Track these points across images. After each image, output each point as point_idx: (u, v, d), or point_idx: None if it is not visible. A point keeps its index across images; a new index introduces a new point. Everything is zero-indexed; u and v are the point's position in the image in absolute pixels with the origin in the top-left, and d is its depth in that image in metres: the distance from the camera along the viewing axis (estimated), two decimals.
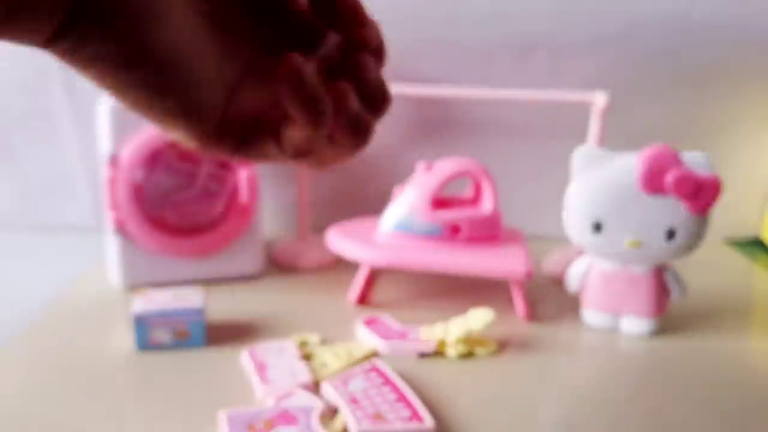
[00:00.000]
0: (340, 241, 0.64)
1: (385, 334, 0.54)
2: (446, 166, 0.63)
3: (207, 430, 0.42)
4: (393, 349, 0.53)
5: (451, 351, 0.53)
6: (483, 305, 0.55)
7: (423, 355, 0.53)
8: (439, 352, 0.53)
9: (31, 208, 0.83)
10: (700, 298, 0.65)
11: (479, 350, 0.54)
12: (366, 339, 0.55)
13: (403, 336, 0.54)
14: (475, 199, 0.66)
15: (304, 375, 0.47)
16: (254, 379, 0.47)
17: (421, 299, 0.65)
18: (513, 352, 0.55)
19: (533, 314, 0.61)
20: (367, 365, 0.50)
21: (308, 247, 0.74)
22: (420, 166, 0.64)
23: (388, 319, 0.57)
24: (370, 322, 0.57)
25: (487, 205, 0.64)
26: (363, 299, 0.63)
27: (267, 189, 0.83)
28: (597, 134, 0.68)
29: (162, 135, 0.61)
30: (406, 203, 0.63)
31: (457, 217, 0.63)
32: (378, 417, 0.42)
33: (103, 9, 0.20)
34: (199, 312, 0.52)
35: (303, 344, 0.54)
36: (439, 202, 0.64)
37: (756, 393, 0.50)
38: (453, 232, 0.62)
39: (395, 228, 0.63)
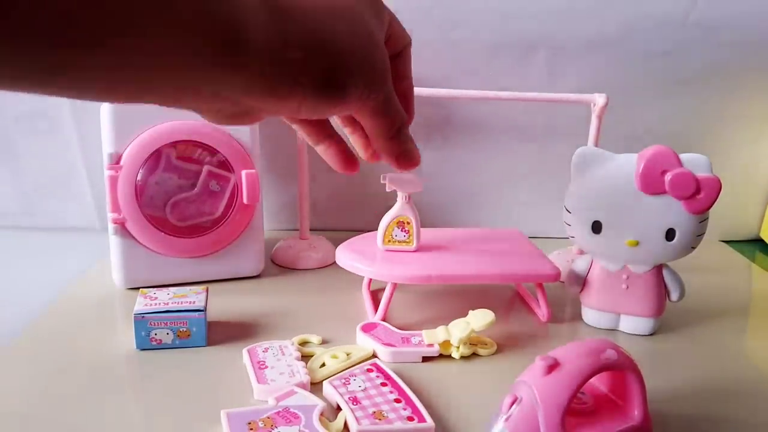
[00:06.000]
0: (360, 260, 0.60)
1: (388, 341, 0.53)
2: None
3: (208, 429, 0.42)
4: (396, 356, 0.52)
5: (455, 353, 0.53)
6: (481, 307, 0.55)
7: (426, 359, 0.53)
8: (442, 355, 0.53)
9: (31, 207, 0.83)
10: (699, 298, 0.65)
11: (480, 350, 0.54)
12: (367, 345, 0.54)
13: (405, 341, 0.54)
14: None
15: (304, 375, 0.47)
16: (254, 378, 0.47)
17: (419, 303, 0.65)
18: (513, 352, 0.55)
19: (551, 315, 0.62)
20: (367, 365, 0.50)
21: (308, 247, 0.74)
22: None
23: (386, 325, 0.57)
24: (368, 328, 0.56)
25: None
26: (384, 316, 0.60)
27: (267, 189, 0.83)
28: (596, 134, 0.69)
29: (162, 135, 0.61)
30: None
31: None
32: (378, 416, 0.42)
33: None
34: (200, 312, 0.52)
35: (303, 344, 0.54)
36: None
37: (756, 392, 0.50)
38: None
39: None
